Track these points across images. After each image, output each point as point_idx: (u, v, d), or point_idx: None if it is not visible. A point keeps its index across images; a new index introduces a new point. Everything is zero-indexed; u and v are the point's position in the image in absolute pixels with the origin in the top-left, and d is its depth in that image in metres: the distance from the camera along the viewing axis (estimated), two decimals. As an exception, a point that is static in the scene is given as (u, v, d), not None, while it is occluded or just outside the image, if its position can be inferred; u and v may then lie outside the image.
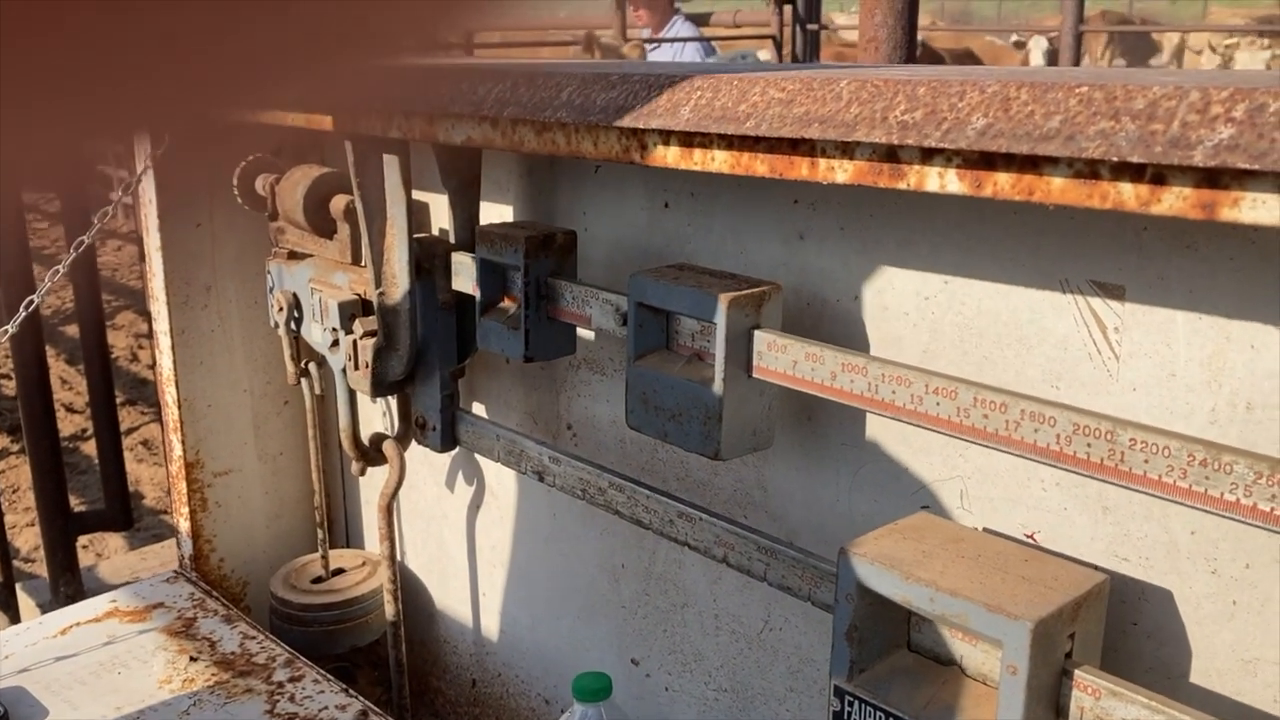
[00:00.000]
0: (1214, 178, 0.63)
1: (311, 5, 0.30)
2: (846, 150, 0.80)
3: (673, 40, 5.78)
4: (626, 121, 0.93)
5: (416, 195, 1.44)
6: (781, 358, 1.04)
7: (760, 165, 0.88)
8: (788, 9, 6.42)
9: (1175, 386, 0.91)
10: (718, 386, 1.07)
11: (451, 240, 1.42)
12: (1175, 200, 0.66)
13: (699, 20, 6.34)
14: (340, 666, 1.74)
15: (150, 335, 1.86)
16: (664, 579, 1.41)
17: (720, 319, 1.05)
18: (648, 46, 5.83)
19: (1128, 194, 0.67)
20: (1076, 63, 6.21)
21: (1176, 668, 0.94)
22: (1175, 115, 0.63)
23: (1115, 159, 0.65)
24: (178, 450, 1.81)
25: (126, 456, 3.66)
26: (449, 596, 1.80)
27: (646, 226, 1.32)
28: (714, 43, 6.53)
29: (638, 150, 0.98)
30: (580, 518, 1.51)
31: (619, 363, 1.39)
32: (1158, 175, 0.66)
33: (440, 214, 1.52)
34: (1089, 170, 0.68)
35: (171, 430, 1.82)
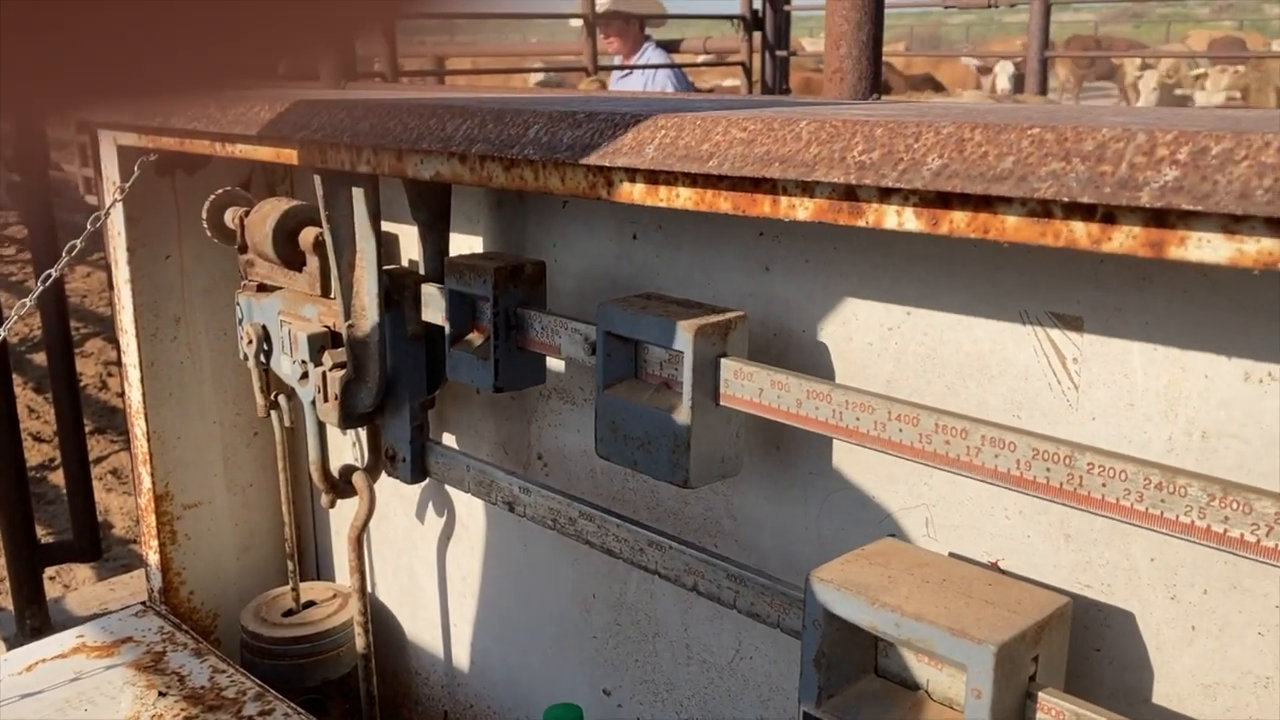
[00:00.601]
0: (1161, 217, 0.65)
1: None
2: (807, 189, 0.82)
3: (644, 67, 5.83)
4: (592, 159, 0.95)
5: (386, 227, 1.45)
6: (748, 385, 1.05)
7: (724, 202, 0.90)
8: (757, 36, 6.48)
9: (1133, 416, 0.93)
10: (685, 415, 1.08)
11: (421, 272, 1.43)
12: (1125, 239, 0.67)
13: (669, 47, 6.39)
14: (312, 699, 1.73)
15: (120, 366, 1.85)
16: (635, 609, 1.41)
17: (687, 347, 1.06)
18: (618, 74, 5.87)
19: (1080, 232, 0.69)
20: (1043, 88, 6.29)
21: (1138, 693, 0.96)
22: (1123, 157, 0.65)
23: (1066, 199, 0.66)
24: (147, 483, 1.80)
25: (95, 486, 3.62)
26: (420, 628, 1.80)
27: (615, 258, 1.33)
28: (685, 70, 6.58)
29: (604, 187, 0.99)
30: (552, 548, 1.51)
31: (589, 392, 1.40)
32: (1108, 214, 0.67)
33: (410, 245, 1.52)
34: (1042, 209, 0.70)
35: (141, 463, 1.81)
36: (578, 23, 6.16)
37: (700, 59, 7.09)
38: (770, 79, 6.46)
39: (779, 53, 6.52)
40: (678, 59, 6.37)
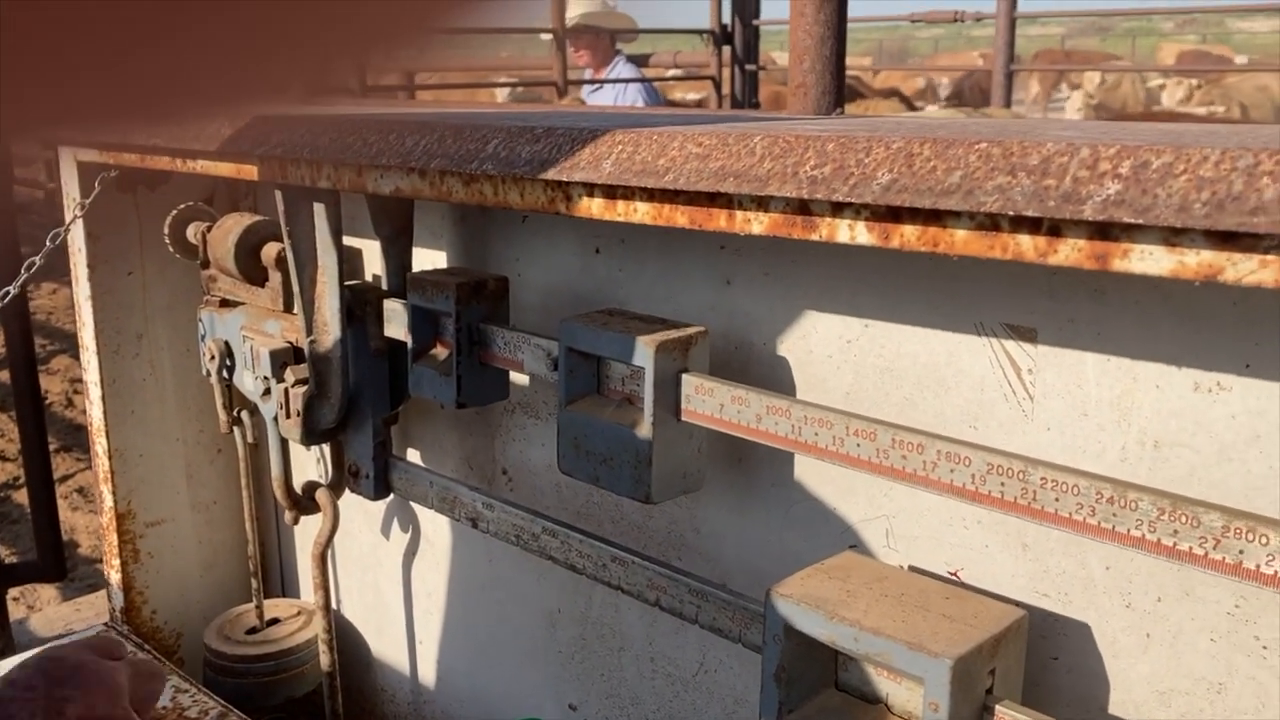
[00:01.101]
0: (1105, 230, 0.66)
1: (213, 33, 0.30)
2: (761, 203, 0.83)
3: (614, 81, 5.84)
4: (550, 174, 0.95)
5: (349, 242, 1.45)
6: (709, 401, 1.06)
7: (681, 216, 0.90)
8: (726, 50, 6.52)
9: (1087, 425, 0.94)
10: (647, 430, 1.08)
11: (384, 287, 1.43)
12: (1071, 251, 0.68)
13: (639, 61, 6.42)
14: (276, 718, 1.72)
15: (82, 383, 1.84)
16: (600, 623, 1.41)
17: (648, 363, 1.06)
18: (588, 88, 5.89)
19: (1026, 245, 0.70)
20: (1007, 101, 6.37)
21: (1095, 701, 0.96)
22: (1067, 171, 0.66)
23: (1012, 212, 0.67)
24: (109, 501, 1.79)
25: (61, 505, 3.58)
26: (386, 645, 1.79)
27: (579, 272, 1.34)
28: (655, 84, 6.60)
29: (563, 201, 0.99)
30: (516, 563, 1.51)
31: (553, 407, 1.40)
32: (1054, 228, 0.68)
33: (373, 260, 1.52)
34: (990, 223, 0.71)
35: (102, 481, 1.79)
36: (548, 37, 6.18)
37: (670, 73, 7.12)
38: (740, 93, 6.50)
39: (748, 67, 6.56)
40: (647, 73, 6.40)
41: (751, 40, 6.55)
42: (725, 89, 6.64)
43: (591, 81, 6.01)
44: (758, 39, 6.76)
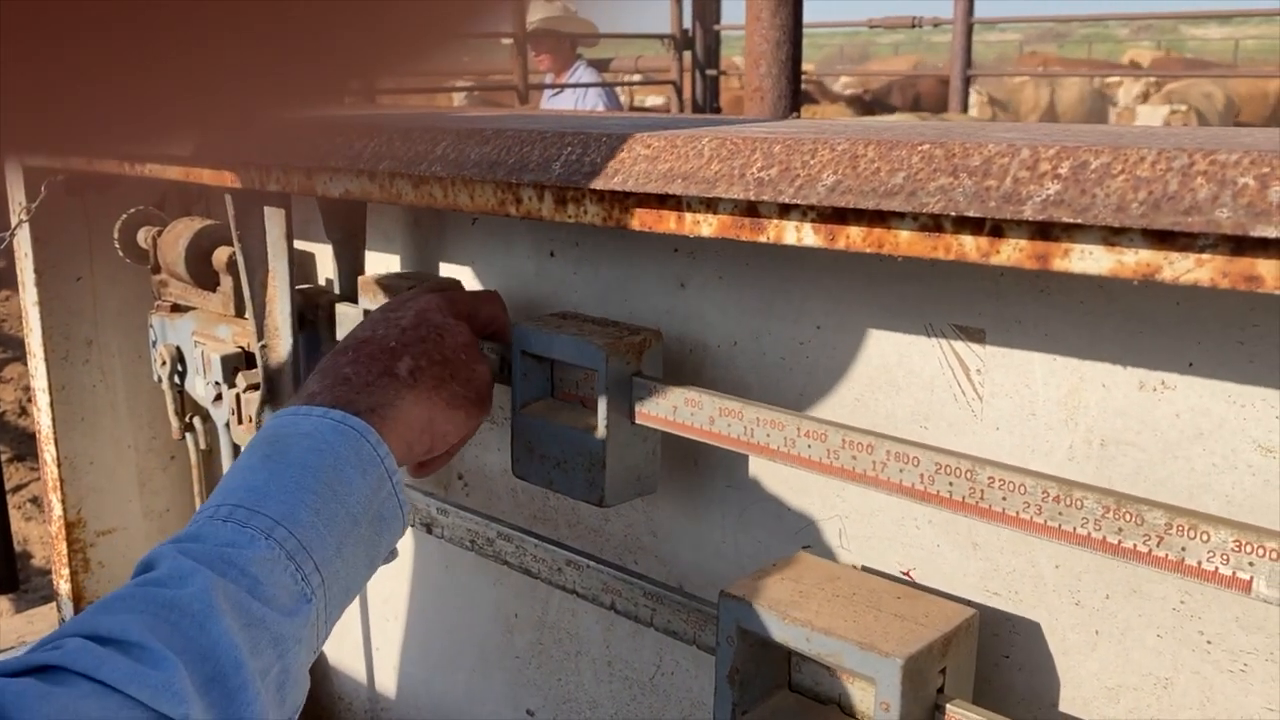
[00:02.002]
0: (1045, 230, 0.66)
1: (216, 55, 0.30)
2: (710, 205, 0.83)
3: (574, 86, 5.84)
4: (500, 176, 0.94)
5: (301, 246, 1.43)
6: (661, 403, 1.05)
7: (630, 219, 0.90)
8: (687, 55, 6.54)
9: (1035, 425, 0.95)
10: (600, 433, 1.08)
11: (336, 291, 1.41)
12: (1013, 252, 0.69)
13: (601, 66, 6.42)
14: (231, 728, 1.69)
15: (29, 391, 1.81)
16: (557, 628, 1.41)
17: (601, 366, 1.06)
18: (549, 93, 5.88)
19: (969, 246, 0.70)
20: (964, 107, 6.43)
21: (1046, 697, 0.97)
22: (1008, 172, 0.66)
23: (954, 213, 0.68)
24: (58, 510, 1.76)
25: (14, 515, 3.52)
26: (343, 652, 1.77)
27: (533, 276, 1.33)
28: (616, 89, 6.61)
29: (513, 204, 0.99)
30: (472, 569, 1.50)
31: (508, 411, 1.39)
32: (995, 228, 0.69)
33: (326, 264, 1.51)
34: (933, 224, 0.71)
35: (51, 490, 1.76)
36: (509, 41, 6.17)
37: (632, 78, 7.13)
38: (701, 98, 6.52)
39: (709, 72, 6.58)
40: (608, 78, 6.40)
41: (712, 45, 6.57)
42: (686, 94, 6.66)
43: (552, 86, 6.00)
44: (719, 44, 6.79)
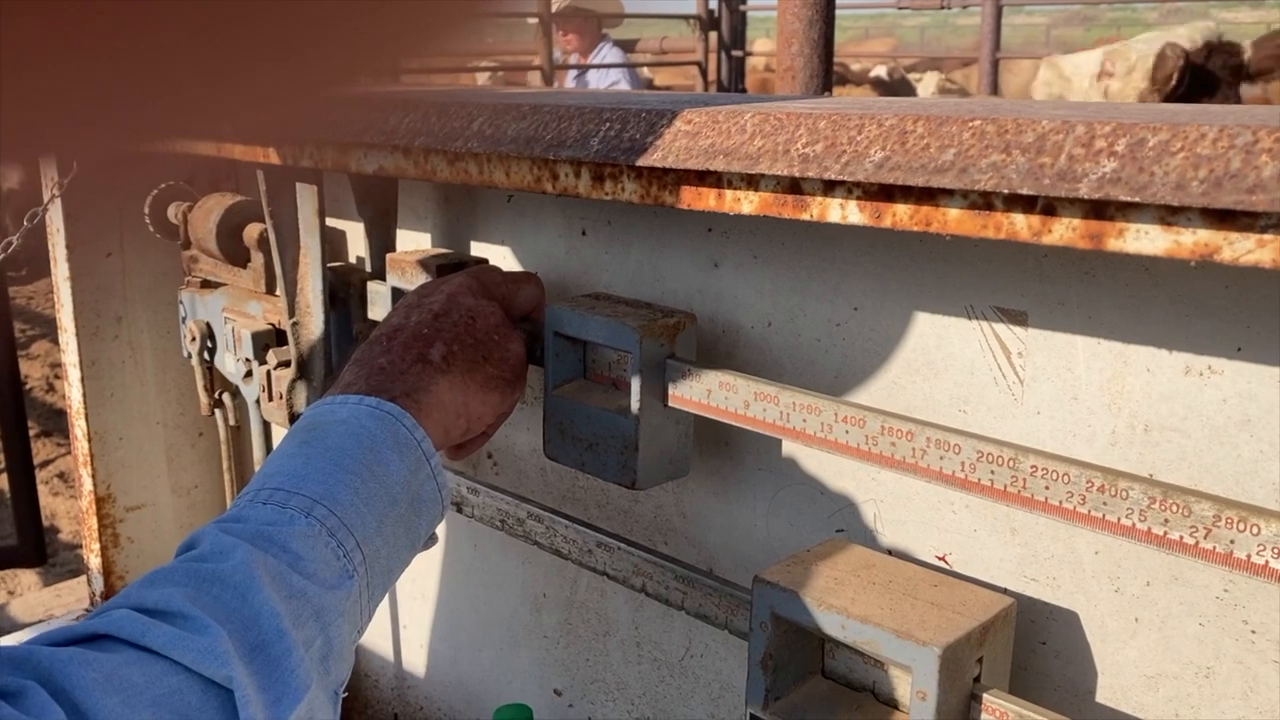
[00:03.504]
0: (1100, 209, 0.65)
1: (255, 39, 0.29)
2: (751, 182, 0.81)
3: (600, 66, 5.82)
4: (537, 152, 0.93)
5: (332, 223, 1.43)
6: (696, 386, 1.04)
7: (669, 196, 0.89)
8: (713, 36, 6.50)
9: (1077, 409, 0.93)
10: (633, 416, 1.07)
11: (367, 269, 1.41)
12: (1065, 231, 0.67)
13: (626, 46, 6.39)
14: (258, 704, 1.70)
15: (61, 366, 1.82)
16: (586, 608, 1.40)
17: (634, 349, 1.05)
18: (573, 74, 5.86)
19: (1020, 224, 0.69)
20: (995, 90, 6.37)
21: (1083, 685, 0.96)
22: (1062, 149, 0.65)
23: (1006, 191, 0.66)
24: (88, 485, 1.77)
25: (41, 490, 3.55)
26: (370, 630, 1.77)
27: (564, 254, 1.32)
28: (642, 69, 6.58)
29: (549, 180, 0.98)
30: (501, 548, 1.49)
31: (539, 390, 1.38)
32: (1048, 206, 0.67)
33: (356, 242, 1.50)
34: (983, 201, 0.70)
35: (82, 464, 1.77)
36: (534, 21, 6.14)
37: (657, 58, 7.09)
38: (726, 79, 6.48)
39: (735, 53, 6.54)
40: (634, 58, 6.38)
41: (738, 25, 6.53)
42: (711, 75, 6.62)
43: (577, 67, 5.98)
44: (744, 24, 6.74)
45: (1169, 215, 0.62)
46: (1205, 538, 0.75)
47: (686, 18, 6.74)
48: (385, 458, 0.94)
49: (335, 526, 0.88)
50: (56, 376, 6.02)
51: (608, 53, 5.94)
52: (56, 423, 5.50)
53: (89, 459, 1.75)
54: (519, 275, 1.21)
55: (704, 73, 6.58)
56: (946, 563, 1.03)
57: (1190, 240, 0.62)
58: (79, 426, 1.75)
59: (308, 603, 0.84)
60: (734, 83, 6.68)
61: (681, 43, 6.89)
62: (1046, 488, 0.82)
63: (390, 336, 1.07)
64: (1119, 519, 0.78)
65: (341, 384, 1.04)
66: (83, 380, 1.72)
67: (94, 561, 1.80)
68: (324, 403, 1.00)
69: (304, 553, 0.86)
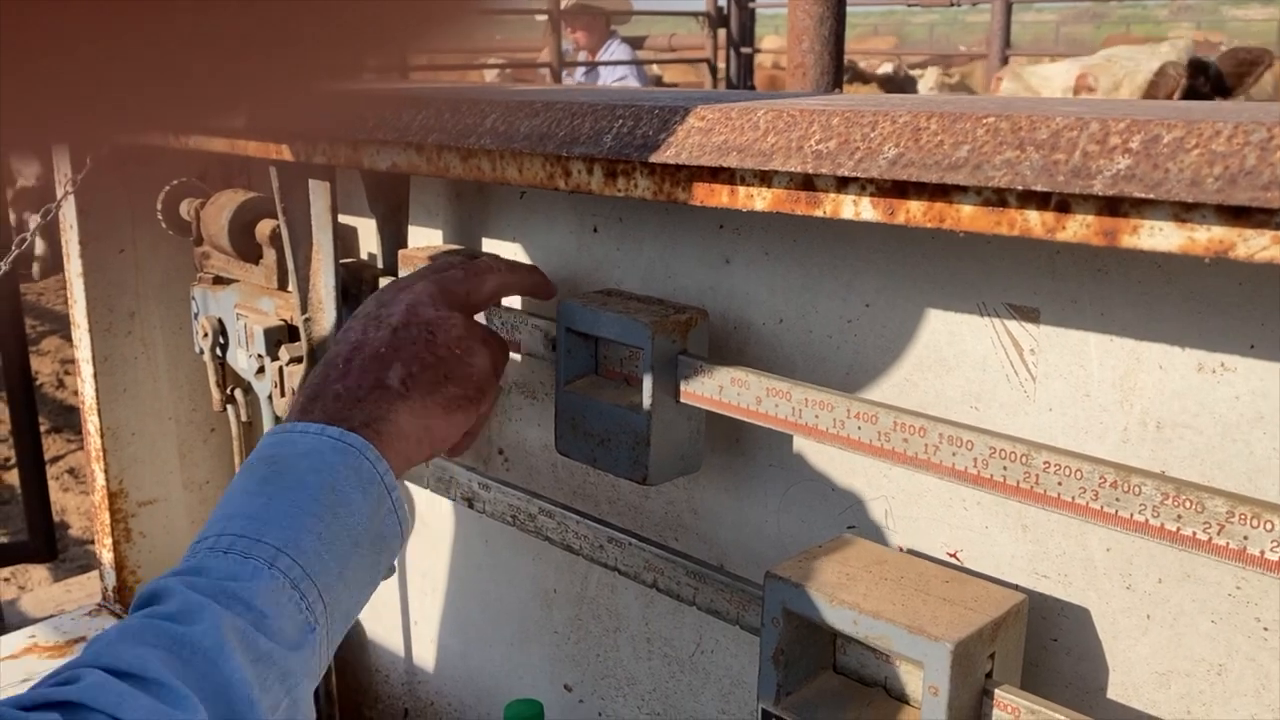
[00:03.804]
0: (1114, 206, 0.65)
1: (255, 29, 0.30)
2: (764, 179, 0.81)
3: (608, 64, 5.82)
4: (550, 149, 0.94)
5: (344, 220, 1.43)
6: (708, 383, 1.05)
7: (682, 192, 0.89)
8: (722, 33, 6.50)
9: (1090, 406, 0.93)
10: (644, 411, 1.07)
11: (379, 265, 1.41)
12: (1079, 228, 0.67)
13: (634, 43, 6.39)
14: (269, 699, 1.71)
15: (74, 361, 1.83)
16: (596, 603, 1.41)
17: (646, 344, 1.06)
18: (580, 70, 5.86)
19: (1034, 221, 0.69)
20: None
21: (1094, 682, 0.96)
22: (1077, 145, 0.65)
23: (1020, 187, 0.66)
24: (100, 479, 1.78)
25: (52, 485, 3.57)
26: (380, 625, 1.78)
27: (576, 251, 1.32)
28: (652, 66, 6.58)
29: (562, 177, 0.98)
30: (512, 544, 1.50)
31: (550, 387, 1.39)
32: (1062, 203, 0.67)
33: (368, 239, 1.51)
34: (997, 198, 0.70)
35: (94, 459, 1.78)
36: (543, 19, 6.14)
37: (665, 55, 7.09)
38: (735, 76, 6.48)
39: (743, 50, 6.53)
40: (643, 55, 6.38)
41: (747, 23, 6.52)
42: (720, 73, 6.61)
43: (585, 64, 5.99)
44: (753, 21, 6.73)
45: (1183, 212, 0.62)
46: (1218, 534, 0.75)
47: (695, 15, 6.74)
48: (349, 497, 0.92)
49: (299, 578, 0.86)
50: (66, 373, 6.04)
51: (616, 49, 5.94)
52: (66, 419, 5.52)
53: (101, 454, 1.75)
54: (481, 265, 1.15)
55: (713, 70, 6.58)
56: (958, 559, 1.03)
57: (1205, 237, 0.62)
58: (91, 422, 1.76)
59: (274, 666, 0.83)
60: (743, 80, 6.68)
61: (690, 40, 6.88)
62: (1059, 483, 0.82)
63: (348, 359, 1.03)
64: (1131, 515, 0.78)
65: (299, 408, 1.00)
66: (95, 376, 1.73)
67: (106, 556, 1.81)
68: (284, 430, 0.97)
69: (269, 610, 0.84)
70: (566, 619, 1.45)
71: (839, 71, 2.01)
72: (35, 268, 8.56)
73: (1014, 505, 0.98)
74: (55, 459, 5.07)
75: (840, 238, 1.06)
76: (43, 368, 6.17)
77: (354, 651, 1.83)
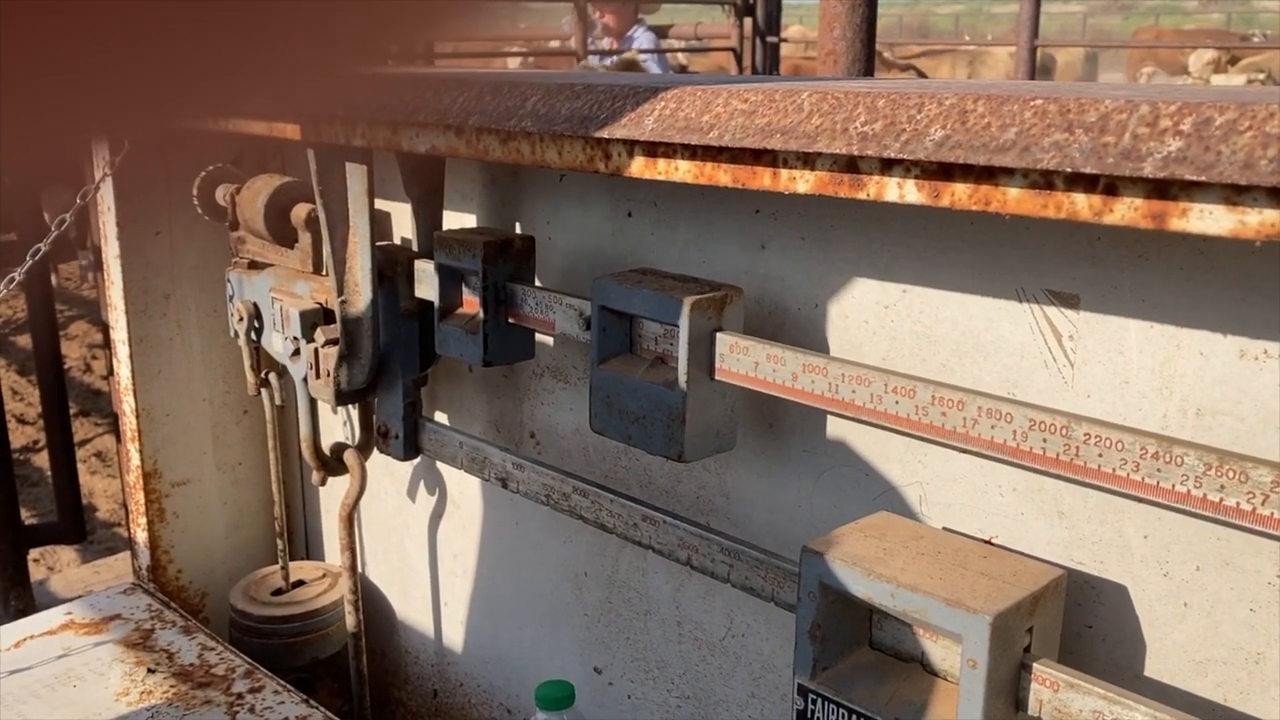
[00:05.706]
0: (1163, 189, 0.65)
1: (282, 11, 0.30)
2: (808, 161, 0.82)
3: (631, 52, 5.81)
4: (591, 131, 0.94)
5: (378, 204, 1.44)
6: (743, 359, 1.05)
7: (723, 175, 0.90)
8: (748, 21, 6.47)
9: (1128, 393, 0.93)
10: (680, 389, 1.08)
11: (414, 249, 1.42)
12: (1127, 210, 0.67)
13: (660, 32, 6.38)
14: (300, 678, 1.73)
15: (108, 344, 1.84)
16: (627, 586, 1.42)
17: (683, 321, 1.06)
18: (599, 58, 5.85)
19: (1081, 204, 0.69)
20: (1032, 77, 6.30)
21: (1130, 669, 0.96)
22: (1126, 128, 0.65)
23: (1069, 170, 0.66)
24: (135, 460, 1.80)
25: (80, 468, 3.61)
26: (410, 607, 1.80)
27: (610, 236, 1.33)
28: (676, 54, 6.56)
29: (602, 160, 0.98)
30: (543, 526, 1.51)
31: (582, 370, 1.40)
32: (1110, 186, 0.67)
33: (403, 223, 1.52)
34: (1044, 181, 0.70)
35: (129, 440, 1.80)
36: (570, 2, 6.13)
37: (692, 44, 7.07)
38: (761, 65, 6.45)
39: (770, 38, 6.51)
40: (668, 43, 6.36)
41: (773, 11, 6.49)
42: (746, 61, 6.59)
43: (608, 52, 5.98)
44: (780, 10, 6.70)
45: (1235, 195, 0.62)
46: (1263, 503, 0.75)
47: (722, 3, 6.71)
48: None
49: None
50: (94, 357, 6.09)
51: (640, 37, 5.93)
52: (94, 403, 5.57)
53: (137, 434, 1.77)
54: None
55: (739, 59, 6.55)
56: (993, 544, 1.03)
57: (1256, 220, 0.62)
58: (127, 403, 1.78)
59: None
60: (768, 69, 6.65)
61: (716, 28, 6.86)
62: (1099, 455, 0.82)
63: None
64: (1173, 486, 0.78)
65: None
66: (131, 357, 1.74)
67: (140, 536, 1.83)
68: None
69: None
70: (597, 601, 1.46)
71: (870, 59, 2.00)
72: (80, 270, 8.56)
73: (1050, 490, 0.99)
74: (82, 442, 5.12)
75: (878, 223, 1.06)
76: (70, 352, 6.23)
77: (384, 633, 1.85)
